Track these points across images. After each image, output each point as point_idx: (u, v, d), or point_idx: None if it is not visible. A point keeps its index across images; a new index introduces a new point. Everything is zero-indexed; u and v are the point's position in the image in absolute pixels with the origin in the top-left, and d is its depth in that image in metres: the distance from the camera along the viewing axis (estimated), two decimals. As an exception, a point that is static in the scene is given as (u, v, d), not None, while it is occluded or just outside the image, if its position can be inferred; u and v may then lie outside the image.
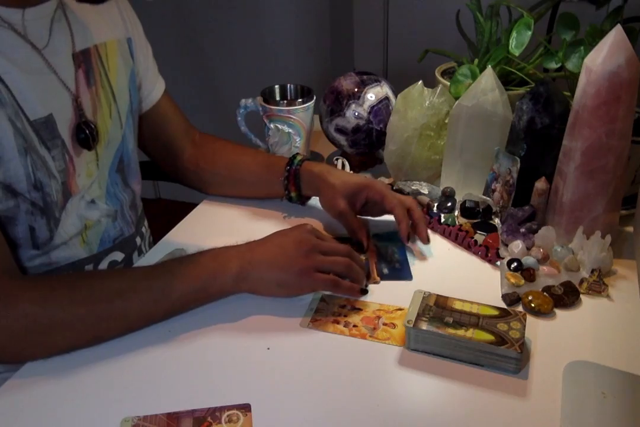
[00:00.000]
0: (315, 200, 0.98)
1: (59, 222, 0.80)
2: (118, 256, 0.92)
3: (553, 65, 0.97)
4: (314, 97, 1.10)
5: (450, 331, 0.70)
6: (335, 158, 1.10)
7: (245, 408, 0.64)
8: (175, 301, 0.75)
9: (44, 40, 0.76)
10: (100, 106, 0.84)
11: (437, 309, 0.73)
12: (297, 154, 0.98)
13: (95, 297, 0.71)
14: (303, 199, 0.98)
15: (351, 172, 1.07)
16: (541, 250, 0.85)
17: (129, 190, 0.94)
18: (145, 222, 1.02)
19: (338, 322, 0.76)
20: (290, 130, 1.08)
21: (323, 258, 0.78)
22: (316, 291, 0.81)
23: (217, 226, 0.97)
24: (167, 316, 0.76)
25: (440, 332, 0.70)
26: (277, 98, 1.14)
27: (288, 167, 0.95)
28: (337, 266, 0.79)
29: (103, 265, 0.89)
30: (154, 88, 0.98)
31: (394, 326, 0.76)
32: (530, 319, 0.75)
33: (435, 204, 0.98)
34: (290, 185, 0.96)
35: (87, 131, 0.81)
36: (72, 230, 0.83)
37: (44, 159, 0.76)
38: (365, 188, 0.90)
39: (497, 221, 0.94)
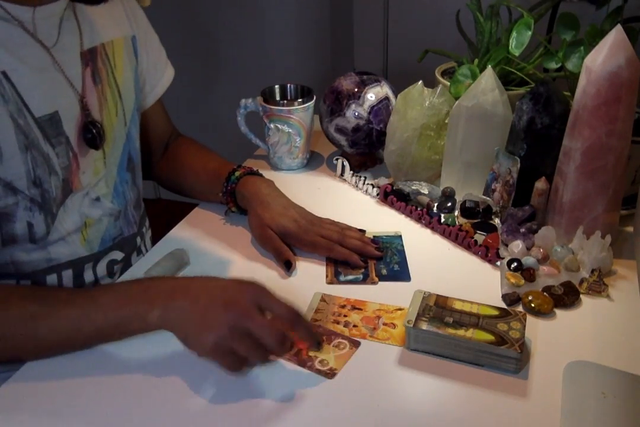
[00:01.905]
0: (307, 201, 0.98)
1: (56, 217, 0.80)
2: (118, 255, 0.92)
3: (553, 65, 0.97)
4: (314, 97, 1.10)
5: (450, 331, 0.70)
6: (335, 158, 1.10)
7: (356, 344, 0.73)
8: (91, 333, 0.69)
9: (53, 39, 0.77)
10: (107, 104, 0.85)
11: (437, 309, 0.73)
12: (239, 167, 0.96)
13: (10, 317, 0.67)
14: (246, 213, 0.94)
15: (351, 172, 1.07)
16: (541, 250, 0.85)
17: (136, 189, 0.95)
18: (147, 222, 1.03)
19: (338, 322, 0.76)
20: (290, 130, 1.08)
21: (242, 343, 0.64)
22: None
23: (217, 226, 0.97)
24: (84, 346, 0.71)
25: (440, 332, 0.70)
26: (277, 98, 1.14)
27: (225, 184, 0.94)
28: (253, 356, 0.65)
29: (102, 264, 0.89)
30: (158, 83, 0.99)
31: (394, 326, 0.76)
32: (530, 319, 0.75)
33: (435, 204, 0.98)
34: (229, 201, 0.95)
35: (94, 131, 0.81)
36: (70, 226, 0.83)
37: (48, 156, 0.77)
38: (291, 237, 0.88)
39: (497, 221, 0.94)
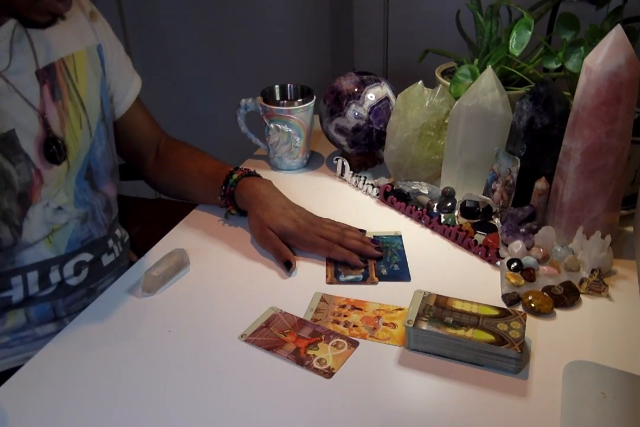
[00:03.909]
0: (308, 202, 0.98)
1: (22, 229, 0.81)
2: (86, 257, 0.92)
3: (553, 65, 0.97)
4: (314, 97, 1.10)
5: (450, 331, 0.70)
6: (335, 158, 1.10)
7: (355, 344, 0.73)
8: None
9: (5, 62, 0.77)
10: (69, 119, 0.85)
11: (437, 309, 0.73)
12: (236, 169, 0.96)
13: None
14: (246, 214, 0.94)
15: (351, 172, 1.07)
16: (541, 250, 0.85)
17: (101, 194, 0.93)
18: (119, 225, 1.02)
19: (338, 322, 0.76)
20: (290, 130, 1.08)
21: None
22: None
23: (216, 226, 0.97)
24: None
25: (440, 332, 0.70)
26: (277, 98, 1.14)
27: (224, 187, 0.94)
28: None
29: (69, 265, 0.89)
30: (128, 92, 0.98)
31: (394, 326, 0.76)
32: (530, 319, 0.75)
33: (435, 204, 0.98)
34: (229, 204, 0.95)
35: (54, 146, 0.81)
36: (38, 235, 0.84)
37: (8, 173, 0.78)
38: (291, 237, 0.88)
39: (497, 221, 0.94)
